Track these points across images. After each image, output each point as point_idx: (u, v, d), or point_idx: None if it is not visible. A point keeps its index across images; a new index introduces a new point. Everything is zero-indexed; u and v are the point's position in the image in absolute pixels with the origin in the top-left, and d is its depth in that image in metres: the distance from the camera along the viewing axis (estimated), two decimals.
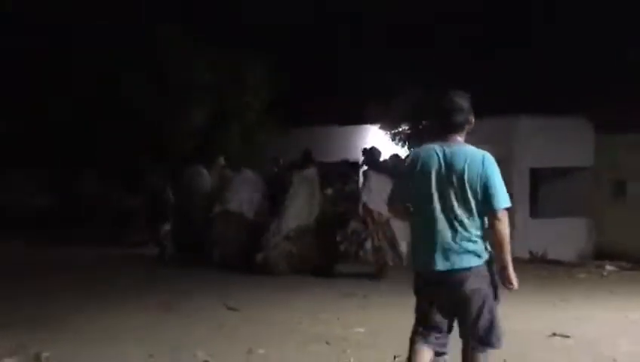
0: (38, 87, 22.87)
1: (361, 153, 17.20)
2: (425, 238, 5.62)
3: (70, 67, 22.35)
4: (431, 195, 5.56)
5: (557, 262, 18.01)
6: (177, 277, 14.91)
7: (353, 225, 16.18)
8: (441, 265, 5.52)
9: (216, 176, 18.02)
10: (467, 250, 5.50)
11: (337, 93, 24.43)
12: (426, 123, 20.11)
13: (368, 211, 15.13)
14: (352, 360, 8.01)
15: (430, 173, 5.58)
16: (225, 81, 21.67)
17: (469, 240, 5.50)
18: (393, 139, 20.67)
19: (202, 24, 23.11)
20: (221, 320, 10.36)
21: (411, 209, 5.83)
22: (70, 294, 12.16)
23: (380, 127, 21.29)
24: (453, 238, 5.50)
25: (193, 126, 21.27)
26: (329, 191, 18.33)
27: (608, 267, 16.74)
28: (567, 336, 9.12)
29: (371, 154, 16.71)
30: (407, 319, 9.77)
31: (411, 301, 11.48)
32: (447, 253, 5.50)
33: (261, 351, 8.32)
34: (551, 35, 23.19)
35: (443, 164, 5.59)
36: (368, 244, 15.73)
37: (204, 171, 18.22)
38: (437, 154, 5.63)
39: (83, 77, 22.02)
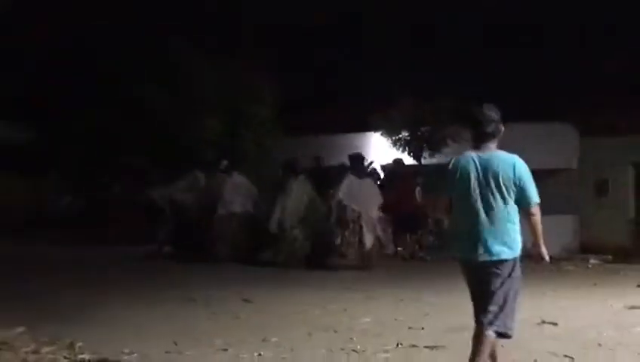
0: (69, 101, 22.93)
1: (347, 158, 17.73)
2: (467, 233, 6.08)
3: (97, 82, 22.51)
4: (471, 196, 6.04)
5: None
6: (193, 273, 14.94)
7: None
8: (482, 255, 5.99)
9: (219, 180, 18.21)
10: (504, 243, 6.03)
11: (341, 103, 24.47)
12: (425, 129, 20.19)
13: (342, 208, 15.84)
14: (358, 347, 7.88)
15: (469, 178, 6.07)
16: (238, 93, 21.83)
17: (506, 234, 6.04)
18: (394, 145, 20.69)
19: (213, 36, 23.27)
20: (236, 312, 10.34)
21: (454, 207, 6.29)
22: (98, 290, 12.04)
23: (382, 134, 21.32)
24: (492, 233, 5.98)
25: (211, 133, 21.46)
26: (332, 191, 18.80)
27: (592, 260, 16.85)
28: (555, 324, 9.14)
29: (355, 160, 17.42)
30: (410, 310, 10.26)
31: (414, 294, 11.97)
32: (486, 244, 5.97)
33: (274, 339, 8.29)
34: (539, 50, 23.22)
35: (480, 169, 6.09)
36: (338, 239, 16.19)
37: (201, 175, 18.51)
38: (473, 161, 6.14)
39: (109, 92, 21.99)
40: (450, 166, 6.31)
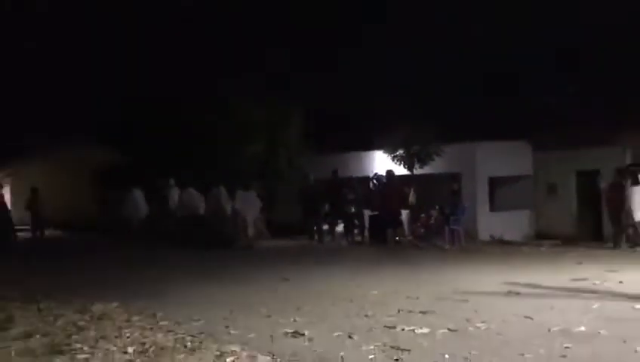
0: (145, 130, 23.04)
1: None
2: None
3: (165, 114, 22.64)
4: None
5: (509, 242, 18.06)
6: (238, 260, 15.03)
7: None
8: None
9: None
10: None
11: (352, 129, 24.46)
12: (415, 148, 20.24)
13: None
14: (369, 313, 7.80)
15: None
16: (275, 121, 21.92)
17: None
18: (393, 160, 20.69)
19: (252, 75, 23.40)
20: (276, 287, 10.34)
21: None
22: (170, 277, 12.06)
23: (384, 152, 21.33)
24: None
25: (253, 154, 21.47)
26: (352, 197, 18.97)
27: (545, 245, 16.84)
28: (518, 293, 9.08)
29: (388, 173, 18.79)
30: (407, 285, 10.24)
31: (410, 272, 11.92)
32: None
33: (306, 308, 8.25)
34: (500, 90, 23.19)
35: None
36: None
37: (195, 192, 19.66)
38: None
39: (175, 123, 22.14)
40: None
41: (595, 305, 7.98)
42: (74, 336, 6.99)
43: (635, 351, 5.75)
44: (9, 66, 31.24)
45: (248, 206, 18.84)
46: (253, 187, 19.40)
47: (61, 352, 6.28)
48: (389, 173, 18.83)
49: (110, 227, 22.14)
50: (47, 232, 22.66)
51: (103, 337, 6.89)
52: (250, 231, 18.95)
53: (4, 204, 21.39)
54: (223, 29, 28.17)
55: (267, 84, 22.90)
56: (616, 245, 15.73)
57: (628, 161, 17.99)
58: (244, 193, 18.90)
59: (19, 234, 21.33)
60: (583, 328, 6.69)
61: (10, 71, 31.26)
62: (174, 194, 20.25)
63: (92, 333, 7.11)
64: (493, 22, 24.26)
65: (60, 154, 31.84)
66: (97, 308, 8.60)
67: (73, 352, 6.27)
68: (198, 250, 17.05)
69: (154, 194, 21.05)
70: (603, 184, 16.67)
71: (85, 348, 6.41)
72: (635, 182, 15.61)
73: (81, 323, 7.68)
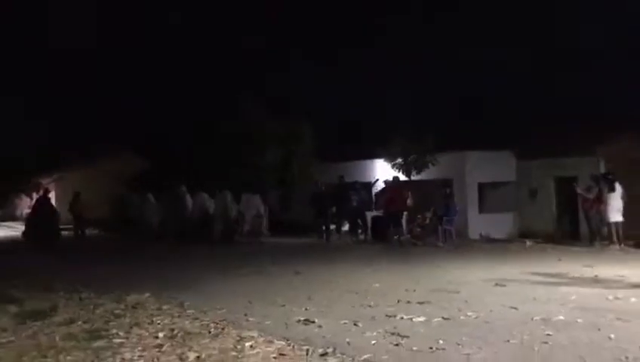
0: (173, 140, 23.07)
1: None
2: None
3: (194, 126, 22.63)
4: None
5: (495, 240, 17.92)
6: (254, 255, 15.05)
7: None
8: None
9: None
10: None
11: (356, 139, 24.53)
12: (412, 157, 20.23)
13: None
14: (372, 303, 7.79)
15: None
16: (288, 135, 21.92)
17: None
18: (392, 168, 20.66)
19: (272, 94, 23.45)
20: (290, 279, 10.36)
21: None
22: (193, 271, 12.11)
23: (384, 160, 21.30)
24: None
25: (270, 163, 21.49)
26: (355, 198, 18.99)
27: (528, 242, 16.72)
28: (504, 285, 9.05)
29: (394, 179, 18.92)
30: (406, 278, 10.23)
31: (408, 267, 11.89)
32: None
33: (316, 298, 8.27)
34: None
35: None
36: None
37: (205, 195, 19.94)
38: None
39: (203, 136, 22.29)
40: None
41: (573, 297, 7.94)
42: (111, 323, 7.01)
43: (609, 338, 5.72)
44: (53, 86, 31.52)
45: (249, 207, 19.39)
46: (271, 192, 19.56)
47: (100, 337, 6.30)
48: (395, 179, 18.95)
49: (133, 227, 22.10)
50: (87, 231, 22.79)
51: (136, 324, 6.92)
52: (246, 228, 19.51)
53: (51, 207, 21.53)
54: (239, 51, 28.39)
55: (281, 101, 23.01)
56: (591, 243, 15.67)
57: (602, 169, 17.91)
58: (248, 196, 19.42)
59: (63, 233, 21.41)
60: (561, 317, 6.66)
61: (54, 91, 31.55)
62: (187, 198, 20.32)
63: (127, 320, 7.14)
64: (481, 49, 24.42)
65: (99, 163, 32.07)
66: (132, 298, 8.62)
67: (110, 337, 6.29)
68: (211, 245, 17.15)
69: (171, 198, 21.00)
70: (579, 189, 16.64)
71: (121, 334, 6.44)
72: (612, 189, 15.58)
73: (117, 312, 7.71)
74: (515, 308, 7.25)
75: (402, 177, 19.85)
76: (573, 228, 18.73)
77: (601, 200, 15.67)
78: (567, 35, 22.88)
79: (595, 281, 9.38)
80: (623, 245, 15.05)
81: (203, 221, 19.38)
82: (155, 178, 23.10)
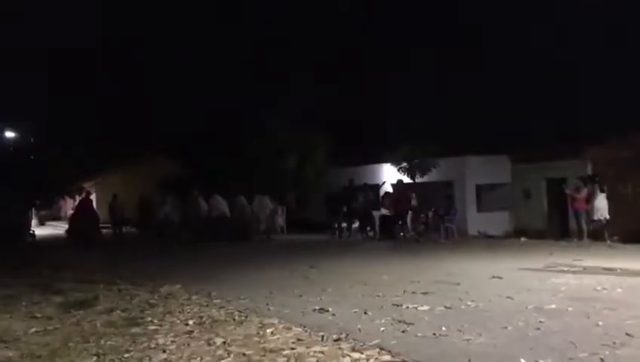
0: (203, 146, 23.18)
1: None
2: None
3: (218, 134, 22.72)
4: None
5: (493, 237, 17.91)
6: (272, 250, 15.05)
7: None
8: None
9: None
10: None
11: (364, 145, 24.57)
12: (416, 161, 20.15)
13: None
14: (380, 293, 7.74)
15: None
16: (304, 143, 21.94)
17: None
18: (398, 171, 20.67)
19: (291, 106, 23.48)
20: (306, 272, 10.30)
21: None
22: (218, 265, 12.16)
23: (391, 164, 21.31)
24: None
25: (288, 167, 21.51)
26: (361, 199, 18.95)
27: (522, 239, 16.65)
28: (501, 277, 8.95)
29: (398, 182, 18.63)
30: (411, 270, 10.19)
31: (413, 260, 11.84)
32: None
33: (329, 289, 8.23)
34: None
35: None
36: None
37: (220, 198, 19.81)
38: None
39: (227, 142, 22.34)
40: None
41: (564, 288, 7.87)
42: (146, 311, 7.03)
43: (597, 325, 5.65)
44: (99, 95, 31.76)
45: (262, 207, 19.49)
46: (288, 193, 19.56)
47: (136, 324, 6.32)
48: (399, 181, 18.92)
49: (156, 226, 21.85)
50: (124, 230, 22.90)
51: (169, 312, 6.93)
52: (262, 227, 19.67)
53: (92, 208, 21.68)
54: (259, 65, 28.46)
55: (296, 110, 23.06)
56: (580, 239, 15.55)
57: (589, 171, 17.80)
58: (260, 197, 19.54)
59: (102, 231, 21.55)
60: (553, 306, 6.60)
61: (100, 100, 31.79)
62: (201, 201, 20.21)
63: (160, 309, 7.15)
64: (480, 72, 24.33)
65: (136, 167, 32.25)
66: (165, 289, 8.64)
67: (146, 324, 6.31)
68: (230, 243, 17.10)
69: (186, 200, 20.97)
70: (567, 190, 16.54)
71: (155, 321, 6.46)
72: (602, 190, 15.47)
73: (152, 301, 7.73)
74: (511, 298, 7.19)
75: (406, 180, 19.84)
76: (562, 225, 18.62)
77: (589, 200, 15.56)
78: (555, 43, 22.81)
79: (584, 273, 9.29)
80: (609, 241, 14.92)
81: (219, 221, 19.27)
82: (184, 181, 23.10)
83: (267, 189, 19.91)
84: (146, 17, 34.68)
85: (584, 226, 15.74)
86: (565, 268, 9.89)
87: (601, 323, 5.73)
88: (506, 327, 5.67)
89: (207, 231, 18.97)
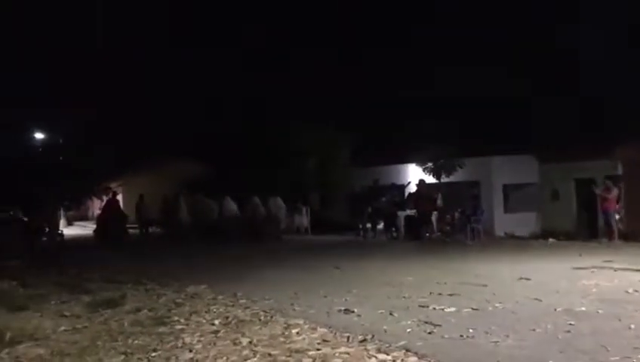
0: (227, 149, 23.34)
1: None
2: None
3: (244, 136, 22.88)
4: None
5: (520, 238, 17.74)
6: (296, 251, 15.06)
7: None
8: None
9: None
10: None
11: (390, 146, 24.41)
12: (442, 161, 20.04)
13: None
14: (406, 295, 7.67)
15: None
16: (327, 143, 21.98)
17: None
18: (424, 171, 20.60)
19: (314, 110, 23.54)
20: (330, 273, 10.32)
21: None
22: (242, 266, 12.23)
23: (416, 164, 21.24)
24: None
25: (312, 168, 21.57)
26: (384, 199, 18.94)
27: (550, 240, 16.48)
28: (529, 279, 8.86)
29: (421, 182, 18.37)
30: (437, 272, 10.11)
31: (439, 262, 11.77)
32: None
33: (354, 291, 8.18)
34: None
35: None
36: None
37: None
38: None
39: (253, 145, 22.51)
40: None
41: (594, 289, 7.76)
42: (173, 311, 7.08)
43: (629, 328, 5.55)
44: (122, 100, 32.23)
45: (279, 208, 19.57)
46: (313, 195, 19.58)
47: (163, 323, 6.37)
48: (421, 181, 18.80)
49: (178, 227, 21.61)
50: (150, 230, 23.08)
51: (195, 312, 6.97)
52: (282, 226, 19.81)
53: (119, 208, 21.90)
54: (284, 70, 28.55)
55: (321, 111, 23.08)
56: (610, 240, 15.32)
57: (619, 171, 17.53)
58: (274, 199, 19.53)
59: (129, 231, 21.77)
60: (583, 308, 6.50)
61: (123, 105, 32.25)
62: (208, 202, 20.06)
63: (187, 309, 7.20)
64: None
65: (161, 168, 32.56)
66: (191, 289, 8.70)
67: (172, 323, 6.35)
68: (249, 243, 17.17)
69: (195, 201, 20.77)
70: (597, 190, 16.28)
71: (182, 320, 6.50)
72: None
73: (178, 301, 7.77)
74: (539, 300, 7.10)
75: (430, 179, 19.74)
76: (591, 226, 18.36)
77: (619, 200, 15.32)
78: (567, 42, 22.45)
79: (615, 275, 9.14)
80: None
81: (231, 222, 19.18)
82: (208, 182, 23.22)
83: (291, 189, 19.95)
84: (167, 19, 35.07)
85: (614, 227, 15.49)
86: (595, 270, 9.75)
87: (633, 326, 5.62)
88: (534, 329, 5.59)
89: (218, 233, 18.90)
